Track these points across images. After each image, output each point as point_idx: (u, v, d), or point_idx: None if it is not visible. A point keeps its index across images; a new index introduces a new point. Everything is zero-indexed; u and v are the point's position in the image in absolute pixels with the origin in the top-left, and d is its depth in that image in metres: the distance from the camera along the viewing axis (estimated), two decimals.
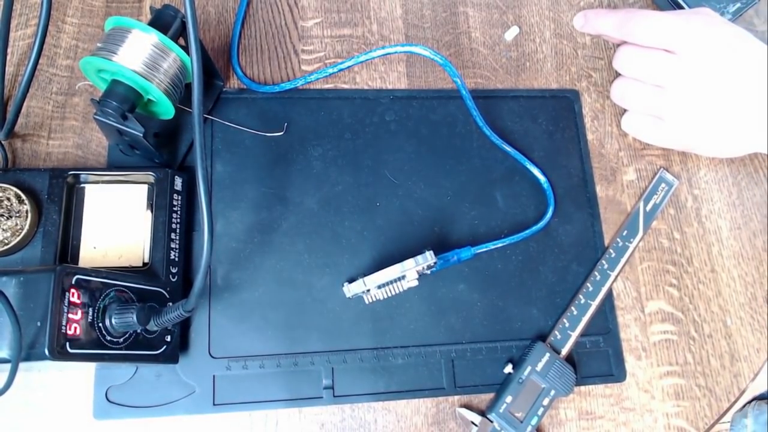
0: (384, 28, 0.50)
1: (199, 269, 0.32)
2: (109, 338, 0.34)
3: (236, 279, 0.42)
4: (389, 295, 0.41)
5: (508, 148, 0.46)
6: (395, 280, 0.40)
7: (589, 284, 0.45)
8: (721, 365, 0.45)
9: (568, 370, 0.41)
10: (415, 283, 0.40)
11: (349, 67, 0.45)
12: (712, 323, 0.46)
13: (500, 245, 0.44)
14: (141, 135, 0.37)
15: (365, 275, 0.40)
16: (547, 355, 0.42)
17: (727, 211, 0.49)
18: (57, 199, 0.39)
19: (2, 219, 0.38)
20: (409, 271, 0.39)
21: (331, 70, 0.45)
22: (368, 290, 0.40)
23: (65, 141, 0.44)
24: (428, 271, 0.42)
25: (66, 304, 0.32)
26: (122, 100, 0.36)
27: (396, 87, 0.49)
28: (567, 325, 0.43)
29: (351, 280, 0.41)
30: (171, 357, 0.38)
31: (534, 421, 0.40)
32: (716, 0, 0.52)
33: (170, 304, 0.37)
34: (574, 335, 0.43)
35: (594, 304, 0.44)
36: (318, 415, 0.41)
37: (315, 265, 0.43)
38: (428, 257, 0.40)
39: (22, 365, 0.31)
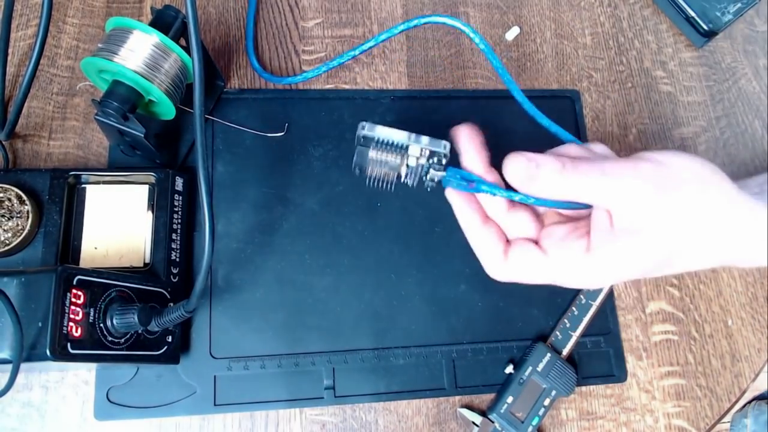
0: (384, 28, 0.50)
1: (200, 270, 0.32)
2: (110, 339, 0.34)
3: (237, 279, 0.42)
4: (379, 172, 0.34)
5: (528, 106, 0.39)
6: (397, 148, 0.33)
7: None
8: (722, 365, 0.45)
9: (569, 371, 0.41)
10: (408, 179, 0.33)
11: (362, 52, 0.44)
12: (713, 323, 0.46)
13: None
14: (142, 135, 0.37)
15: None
16: (548, 355, 0.42)
17: None
18: (58, 200, 0.39)
19: (3, 219, 0.38)
20: (413, 146, 0.33)
21: (339, 60, 0.44)
22: (368, 146, 0.33)
23: (66, 141, 0.44)
24: (431, 182, 0.34)
25: (67, 305, 0.32)
26: (123, 101, 0.36)
27: (396, 87, 0.48)
28: (568, 325, 0.43)
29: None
30: (172, 357, 0.38)
31: (535, 422, 0.40)
32: (717, 0, 0.52)
33: (171, 304, 0.37)
34: (575, 335, 0.43)
35: (595, 305, 0.44)
36: (319, 416, 0.41)
37: (316, 265, 0.43)
38: (443, 146, 0.33)
39: (24, 366, 0.31)
